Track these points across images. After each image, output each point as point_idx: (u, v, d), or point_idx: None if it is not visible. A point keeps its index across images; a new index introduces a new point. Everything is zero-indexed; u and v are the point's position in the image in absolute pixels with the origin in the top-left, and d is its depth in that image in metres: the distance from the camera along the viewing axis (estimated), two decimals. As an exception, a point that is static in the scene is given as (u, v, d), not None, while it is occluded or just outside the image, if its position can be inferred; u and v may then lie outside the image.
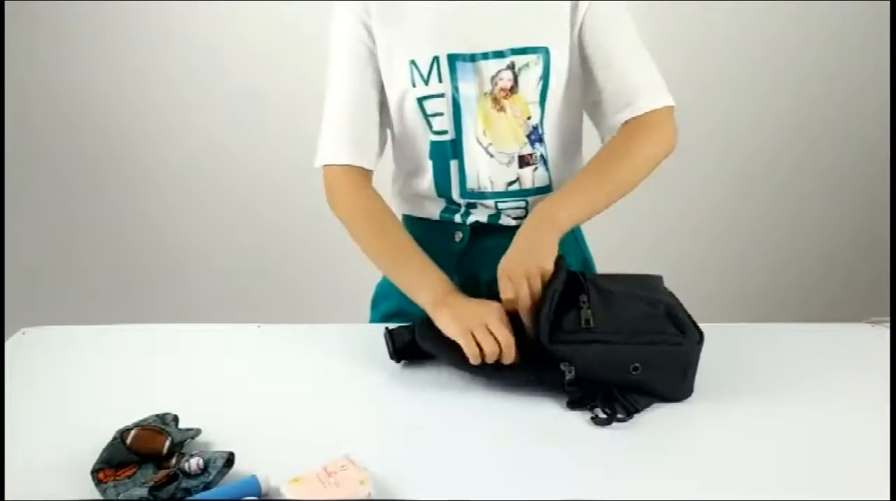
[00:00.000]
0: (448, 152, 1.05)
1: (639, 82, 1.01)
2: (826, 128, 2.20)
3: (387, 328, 0.96)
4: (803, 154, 2.24)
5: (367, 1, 1.02)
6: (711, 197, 2.28)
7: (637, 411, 0.82)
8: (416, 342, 0.93)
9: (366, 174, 1.06)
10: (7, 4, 1.98)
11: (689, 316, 0.88)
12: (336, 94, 1.05)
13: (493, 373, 0.89)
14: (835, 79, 2.15)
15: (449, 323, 0.88)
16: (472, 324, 0.86)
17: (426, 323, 0.95)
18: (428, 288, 0.95)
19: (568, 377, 0.84)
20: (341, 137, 1.05)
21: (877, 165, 2.18)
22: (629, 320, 0.85)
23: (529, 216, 0.97)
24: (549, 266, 0.90)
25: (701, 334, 0.86)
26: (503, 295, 0.89)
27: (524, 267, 0.89)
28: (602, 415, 0.82)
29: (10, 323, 1.14)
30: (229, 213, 2.30)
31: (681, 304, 0.91)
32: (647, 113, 1.01)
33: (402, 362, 0.96)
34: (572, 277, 0.92)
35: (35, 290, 2.28)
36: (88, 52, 2.13)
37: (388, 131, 1.12)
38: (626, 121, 1.02)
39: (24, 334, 1.06)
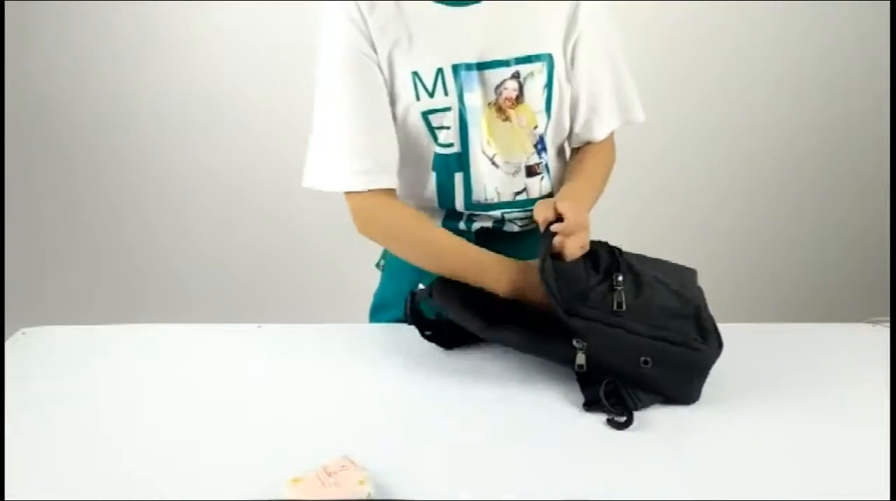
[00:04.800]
0: (453, 165, 1.03)
1: (614, 108, 1.07)
2: (826, 128, 2.20)
3: (410, 291, 0.95)
4: (803, 154, 2.24)
5: (362, 4, 0.95)
6: (711, 197, 2.28)
7: (637, 408, 0.82)
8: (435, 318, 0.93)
9: (391, 191, 1.00)
10: (7, 4, 1.98)
11: (713, 321, 0.87)
12: (347, 111, 0.96)
13: (507, 341, 0.88)
14: (835, 79, 2.15)
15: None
16: None
17: (443, 283, 0.95)
18: (497, 284, 0.93)
19: (579, 357, 0.82)
20: (364, 160, 0.96)
21: (877, 165, 2.18)
22: (656, 312, 0.84)
23: (560, 194, 1.00)
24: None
25: (720, 341, 0.84)
26: (578, 224, 0.87)
27: (585, 229, 0.89)
28: (619, 419, 0.80)
29: (10, 323, 1.14)
30: (229, 213, 2.30)
31: (706, 305, 0.90)
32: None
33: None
34: (607, 251, 0.92)
35: (35, 290, 2.28)
36: (87, 53, 2.13)
37: None
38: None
39: (24, 334, 1.06)
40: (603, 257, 0.90)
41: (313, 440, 0.80)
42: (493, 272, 0.93)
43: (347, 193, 0.99)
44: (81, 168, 2.25)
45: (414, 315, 0.95)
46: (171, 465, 0.76)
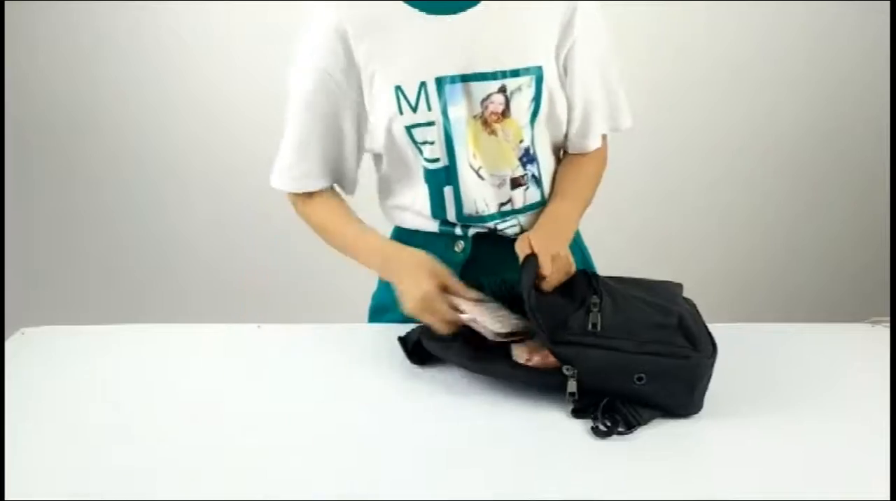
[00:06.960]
0: (442, 178, 1.01)
1: (605, 114, 1.08)
2: (826, 128, 2.20)
3: (399, 337, 0.99)
4: (803, 154, 2.24)
5: (345, 18, 0.95)
6: (711, 197, 2.28)
7: (639, 424, 0.81)
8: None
9: (319, 191, 1.10)
10: (7, 5, 1.98)
11: (706, 329, 0.87)
12: (301, 126, 1.03)
13: (496, 373, 0.89)
14: (835, 79, 2.15)
15: (406, 304, 0.94)
16: (422, 307, 0.91)
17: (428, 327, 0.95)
18: (372, 261, 1.04)
19: (570, 384, 0.82)
20: (301, 167, 1.05)
21: (877, 165, 2.17)
22: (639, 327, 0.84)
23: (544, 217, 1.04)
24: (573, 265, 0.96)
25: (714, 348, 0.83)
26: (544, 271, 0.91)
27: (557, 249, 0.94)
28: (602, 427, 0.80)
29: (10, 323, 1.14)
30: (230, 213, 2.30)
31: (698, 315, 0.90)
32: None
33: (414, 362, 0.96)
34: (584, 278, 0.93)
35: (35, 290, 2.28)
36: (87, 53, 2.13)
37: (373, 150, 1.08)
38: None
39: (23, 334, 1.06)
40: (579, 285, 0.92)
41: (312, 440, 0.80)
42: (369, 251, 1.03)
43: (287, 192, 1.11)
44: (81, 168, 2.25)
45: (414, 354, 0.96)
46: (171, 465, 0.76)
